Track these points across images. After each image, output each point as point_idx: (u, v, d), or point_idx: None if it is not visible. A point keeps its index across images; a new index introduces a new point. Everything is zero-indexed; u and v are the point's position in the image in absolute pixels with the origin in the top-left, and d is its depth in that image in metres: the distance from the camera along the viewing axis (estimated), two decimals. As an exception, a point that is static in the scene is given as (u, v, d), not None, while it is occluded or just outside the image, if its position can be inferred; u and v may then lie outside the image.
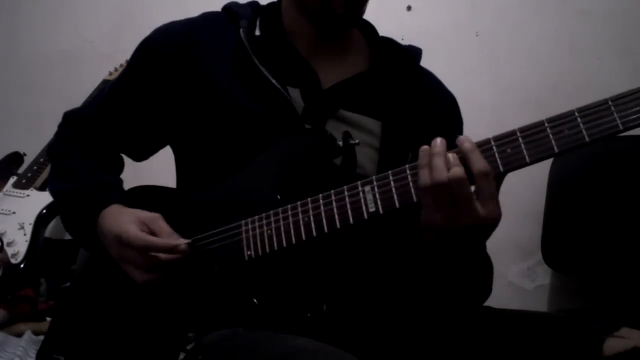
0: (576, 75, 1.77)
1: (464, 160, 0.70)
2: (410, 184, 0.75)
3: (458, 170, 0.69)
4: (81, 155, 1.03)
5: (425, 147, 0.73)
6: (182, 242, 0.85)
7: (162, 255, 0.85)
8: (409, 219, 0.91)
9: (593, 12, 1.79)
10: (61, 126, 1.09)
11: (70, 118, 1.08)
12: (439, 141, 0.72)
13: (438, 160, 0.70)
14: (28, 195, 1.88)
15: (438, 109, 1.00)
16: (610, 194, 1.54)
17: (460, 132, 1.03)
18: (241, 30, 0.94)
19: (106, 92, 1.04)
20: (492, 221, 0.71)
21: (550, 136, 0.69)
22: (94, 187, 0.97)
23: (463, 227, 0.71)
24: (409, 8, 1.97)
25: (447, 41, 1.89)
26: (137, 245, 0.85)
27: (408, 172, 0.75)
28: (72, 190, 0.98)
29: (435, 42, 1.81)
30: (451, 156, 0.71)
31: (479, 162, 0.69)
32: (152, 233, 0.87)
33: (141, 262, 0.86)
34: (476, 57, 1.89)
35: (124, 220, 0.88)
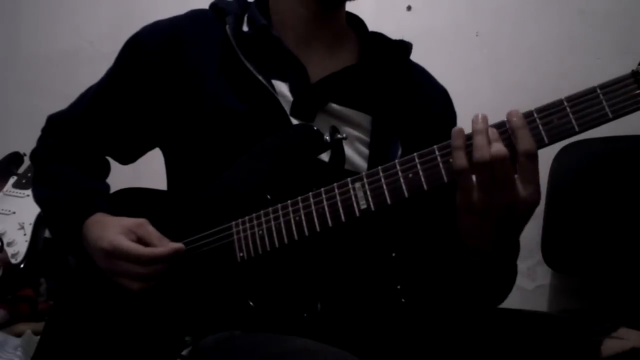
0: (576, 75, 1.77)
1: (509, 136, 0.69)
2: (401, 179, 0.74)
3: (502, 149, 0.67)
4: (65, 160, 1.01)
5: (457, 128, 0.71)
6: (180, 246, 0.84)
7: (160, 266, 0.84)
8: (401, 214, 0.91)
9: (593, 12, 1.79)
10: (44, 130, 1.07)
11: (54, 121, 1.06)
12: (480, 117, 0.70)
13: (480, 139, 0.69)
14: (28, 195, 1.87)
15: (429, 103, 1.00)
16: (610, 194, 1.54)
17: (454, 124, 1.03)
18: (227, 26, 0.93)
19: (92, 93, 1.01)
20: (531, 203, 0.69)
21: (540, 127, 0.69)
22: (77, 194, 0.95)
23: (502, 205, 0.69)
24: (409, 8, 1.97)
25: (447, 41, 1.89)
26: (133, 257, 0.83)
27: (398, 167, 0.75)
28: (55, 198, 0.96)
29: (435, 42, 1.81)
30: (491, 132, 0.69)
31: (527, 141, 0.68)
32: (140, 239, 0.86)
33: (137, 273, 0.84)
34: (476, 57, 1.89)
35: (110, 232, 0.86)
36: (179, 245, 0.85)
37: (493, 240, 0.75)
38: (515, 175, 0.69)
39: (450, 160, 0.71)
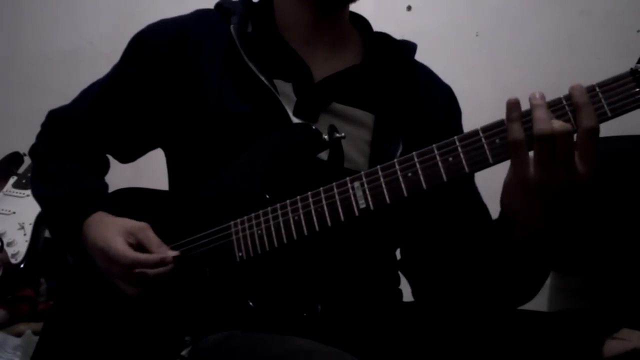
0: (576, 75, 1.76)
1: (573, 112, 0.67)
2: (400, 178, 0.74)
3: (566, 124, 0.66)
4: (65, 157, 1.01)
5: (513, 99, 0.70)
6: (170, 254, 0.84)
7: (150, 271, 0.83)
8: (401, 215, 0.90)
9: (593, 12, 1.79)
10: (45, 125, 1.06)
11: (55, 117, 1.05)
12: (538, 94, 0.69)
13: (541, 111, 0.67)
14: (28, 195, 1.87)
15: (433, 101, 0.99)
16: (610, 193, 1.54)
17: (459, 121, 1.03)
18: (232, 26, 0.93)
19: (96, 90, 1.01)
20: (587, 179, 0.68)
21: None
22: (76, 193, 0.94)
23: (560, 182, 0.68)
24: (409, 8, 1.97)
25: (447, 41, 1.89)
26: (124, 262, 0.83)
27: (397, 166, 0.75)
28: (54, 196, 0.96)
29: (435, 42, 1.80)
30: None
31: (591, 118, 0.66)
32: (140, 243, 0.86)
33: (130, 278, 0.84)
34: (476, 57, 1.88)
35: (110, 233, 0.86)
36: (169, 254, 0.84)
37: (545, 216, 0.73)
38: (575, 151, 0.67)
39: (495, 141, 0.70)
